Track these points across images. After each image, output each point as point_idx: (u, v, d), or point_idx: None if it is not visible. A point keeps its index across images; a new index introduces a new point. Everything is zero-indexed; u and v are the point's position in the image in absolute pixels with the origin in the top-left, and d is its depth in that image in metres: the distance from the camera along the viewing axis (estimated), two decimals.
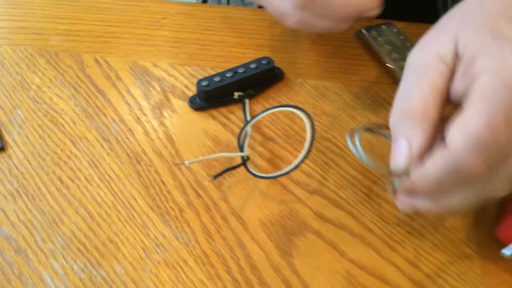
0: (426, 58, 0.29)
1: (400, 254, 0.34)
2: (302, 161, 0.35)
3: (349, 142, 0.32)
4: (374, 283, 0.33)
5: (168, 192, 0.37)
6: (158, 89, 0.43)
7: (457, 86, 0.28)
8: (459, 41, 0.28)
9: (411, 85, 0.29)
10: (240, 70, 0.42)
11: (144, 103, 0.42)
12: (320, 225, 0.36)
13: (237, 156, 0.37)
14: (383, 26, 0.46)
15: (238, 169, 0.37)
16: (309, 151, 0.35)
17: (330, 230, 0.36)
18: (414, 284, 0.33)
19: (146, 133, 0.40)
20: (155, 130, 0.41)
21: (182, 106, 0.42)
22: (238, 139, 0.38)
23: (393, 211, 0.36)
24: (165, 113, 0.42)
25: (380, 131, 0.36)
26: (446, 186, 0.28)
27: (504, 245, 0.32)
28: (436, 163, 0.27)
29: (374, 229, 0.36)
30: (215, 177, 0.35)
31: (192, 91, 0.43)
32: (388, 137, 0.31)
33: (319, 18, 0.38)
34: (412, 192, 0.30)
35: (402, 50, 0.44)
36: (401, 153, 0.29)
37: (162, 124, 0.41)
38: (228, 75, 0.42)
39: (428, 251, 0.34)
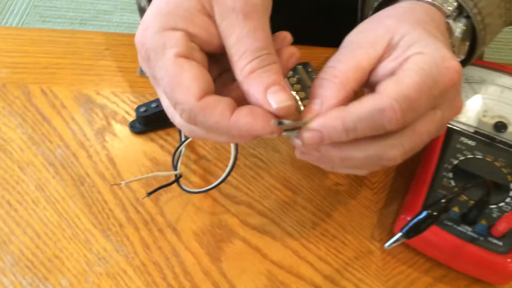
0: (360, 41, 0.32)
1: (314, 253, 0.40)
2: (227, 176, 0.40)
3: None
4: (291, 280, 0.38)
5: (110, 210, 0.41)
6: (101, 115, 0.47)
7: (386, 67, 0.31)
8: (396, 33, 0.31)
9: (340, 58, 0.31)
10: None
11: (87, 129, 0.46)
12: (245, 232, 0.41)
13: (171, 174, 0.42)
14: (299, 66, 0.51)
15: (174, 186, 0.42)
16: (232, 167, 0.40)
17: (254, 236, 0.40)
18: (325, 278, 0.38)
19: (89, 156, 0.44)
20: (97, 153, 0.45)
21: (123, 130, 0.46)
22: (173, 158, 0.43)
23: (310, 216, 0.42)
24: (107, 138, 0.46)
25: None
26: (361, 131, 0.29)
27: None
28: (364, 104, 0.28)
29: (293, 233, 0.41)
30: (149, 194, 0.39)
31: (133, 116, 0.47)
32: None
33: (209, 133, 0.31)
34: (321, 138, 0.29)
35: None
36: (310, 107, 0.30)
37: (104, 147, 0.45)
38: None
39: (338, 249, 0.40)
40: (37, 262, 0.38)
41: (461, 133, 0.42)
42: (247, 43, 0.29)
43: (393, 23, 0.32)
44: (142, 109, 0.46)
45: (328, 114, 0.29)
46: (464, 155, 0.41)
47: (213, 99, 0.29)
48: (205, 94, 0.29)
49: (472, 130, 0.43)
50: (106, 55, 0.53)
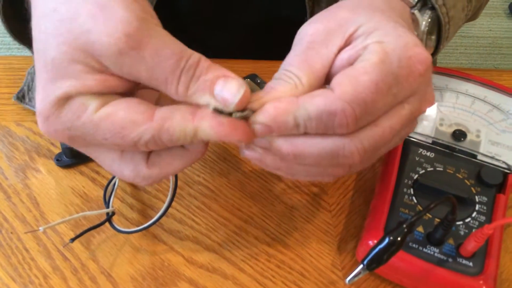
0: (312, 38, 0.28)
1: None
2: (167, 209, 0.35)
3: None
4: None
5: (32, 259, 0.36)
6: (22, 149, 0.42)
7: (343, 57, 0.28)
8: (351, 25, 0.28)
9: (293, 61, 0.28)
10: None
11: (5, 166, 0.40)
12: (192, 272, 0.36)
13: (102, 212, 0.36)
14: (247, 79, 0.48)
15: (107, 225, 0.37)
16: (172, 198, 0.35)
17: (202, 275, 0.36)
18: None
19: (8, 198, 0.39)
20: (18, 193, 0.39)
21: (48, 164, 0.41)
22: (104, 193, 0.37)
23: (264, 247, 0.37)
24: (29, 174, 0.40)
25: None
26: (310, 129, 0.26)
27: None
28: (315, 101, 0.26)
29: (246, 268, 0.36)
30: (73, 240, 0.34)
31: (59, 148, 0.42)
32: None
33: (176, 151, 0.29)
34: (270, 130, 0.27)
35: None
36: (259, 95, 0.27)
37: (26, 186, 0.39)
38: None
39: (296, 283, 0.36)
40: None
41: (418, 145, 0.40)
42: (163, 67, 0.25)
43: (347, 15, 0.29)
44: None
45: (278, 106, 0.26)
46: (424, 168, 0.38)
47: (165, 111, 0.26)
48: (152, 113, 0.26)
49: (430, 140, 0.40)
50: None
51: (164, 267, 0.36)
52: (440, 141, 0.40)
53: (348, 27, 0.28)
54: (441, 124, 0.41)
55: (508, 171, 0.38)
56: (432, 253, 0.34)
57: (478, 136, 0.40)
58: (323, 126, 0.26)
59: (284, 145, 0.27)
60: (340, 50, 0.28)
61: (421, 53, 0.27)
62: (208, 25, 0.61)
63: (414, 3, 0.33)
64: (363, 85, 0.25)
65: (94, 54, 0.25)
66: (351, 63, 0.27)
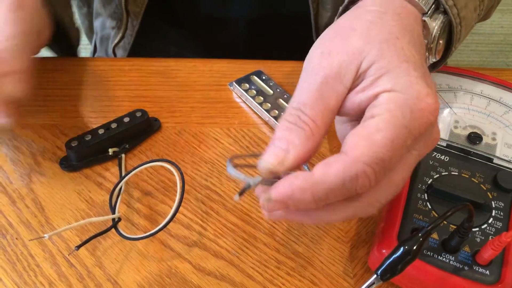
0: (325, 71, 0.28)
1: None
2: (174, 215, 0.34)
3: (227, 164, 0.29)
4: None
5: (37, 265, 0.35)
6: (27, 153, 0.41)
7: (354, 100, 0.28)
8: (364, 58, 0.28)
9: (305, 98, 0.28)
10: (113, 126, 0.41)
11: (10, 170, 0.40)
12: (200, 279, 0.35)
13: (107, 218, 0.36)
14: (253, 76, 0.47)
15: (113, 231, 0.36)
16: (179, 204, 0.35)
17: (210, 283, 0.35)
18: None
19: (13, 202, 0.38)
20: (22, 198, 0.38)
21: (53, 168, 0.40)
22: (110, 199, 0.37)
23: (273, 254, 0.37)
24: (34, 179, 0.39)
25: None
26: (333, 198, 0.26)
27: None
28: (334, 171, 0.25)
29: (255, 276, 0.35)
30: (78, 247, 0.33)
31: (64, 151, 0.41)
32: None
33: None
34: (286, 204, 0.27)
35: (274, 97, 0.45)
36: (275, 151, 0.27)
37: (31, 191, 0.39)
38: (100, 132, 0.40)
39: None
40: None
41: (433, 148, 0.38)
42: None
43: (360, 45, 0.28)
44: (74, 143, 0.40)
45: (294, 184, 0.26)
46: (438, 172, 0.37)
47: None
48: None
49: (444, 144, 0.39)
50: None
51: (172, 274, 0.35)
52: (455, 145, 0.39)
53: (361, 62, 0.28)
54: (455, 127, 0.40)
55: None
56: (447, 261, 0.33)
57: (494, 139, 0.39)
58: (346, 192, 0.26)
59: (303, 218, 0.29)
60: (352, 84, 0.28)
61: (433, 104, 0.27)
62: (208, 21, 0.60)
63: (426, 10, 0.32)
64: (379, 144, 0.26)
65: None
66: (362, 109, 0.28)
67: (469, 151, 0.38)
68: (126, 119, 0.42)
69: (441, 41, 0.35)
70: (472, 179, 0.37)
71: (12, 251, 0.35)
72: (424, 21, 0.32)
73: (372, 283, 0.28)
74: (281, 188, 0.26)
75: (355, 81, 0.28)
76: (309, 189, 0.26)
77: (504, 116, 0.41)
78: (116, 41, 0.59)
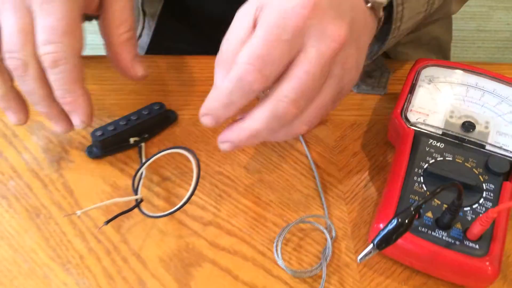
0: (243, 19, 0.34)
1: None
2: (190, 197, 0.38)
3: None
4: None
5: (69, 241, 0.39)
6: (56, 142, 0.45)
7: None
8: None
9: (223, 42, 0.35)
10: (133, 117, 0.45)
11: (41, 157, 0.44)
12: (215, 254, 0.39)
13: (131, 199, 0.39)
14: None
15: (136, 211, 0.39)
16: (195, 187, 0.38)
17: (224, 257, 0.38)
18: None
19: (45, 186, 0.42)
20: (53, 182, 0.42)
21: (80, 156, 0.44)
22: (133, 182, 0.40)
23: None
24: (63, 165, 0.43)
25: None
26: (238, 101, 0.34)
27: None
28: (227, 79, 0.33)
29: (265, 251, 0.39)
30: (107, 222, 0.37)
31: (90, 141, 0.45)
32: None
33: None
34: (214, 119, 0.35)
35: None
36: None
37: (60, 176, 0.43)
38: (121, 123, 0.44)
39: (312, 264, 0.38)
40: None
41: (429, 136, 0.42)
42: (126, 14, 0.39)
43: None
44: (98, 133, 0.43)
45: (208, 97, 0.35)
46: (433, 158, 0.40)
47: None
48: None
49: (440, 132, 0.42)
50: None
51: (189, 249, 0.39)
52: (450, 132, 0.42)
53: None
54: (451, 116, 0.43)
55: None
56: (440, 236, 0.36)
57: (486, 127, 0.42)
58: (244, 92, 0.33)
59: (239, 133, 0.36)
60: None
61: (301, 2, 0.32)
62: (218, 21, 0.63)
63: None
64: (254, 44, 0.32)
65: None
66: None
67: (463, 139, 0.41)
68: (145, 111, 0.45)
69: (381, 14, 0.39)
70: (465, 164, 0.40)
71: (46, 229, 0.39)
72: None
73: (369, 252, 0.31)
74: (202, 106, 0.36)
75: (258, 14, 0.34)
76: (216, 97, 0.34)
77: (497, 107, 0.44)
78: None
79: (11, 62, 0.36)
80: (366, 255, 0.31)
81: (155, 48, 0.64)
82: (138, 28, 0.64)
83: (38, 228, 0.39)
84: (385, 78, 0.51)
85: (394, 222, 0.31)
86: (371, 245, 0.31)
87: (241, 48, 0.33)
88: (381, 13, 0.39)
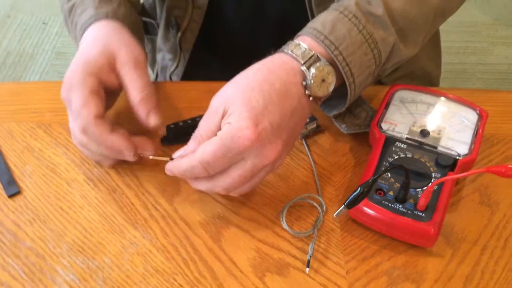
0: (213, 108, 0.49)
1: (290, 233, 0.53)
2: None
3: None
4: (273, 252, 0.52)
5: (136, 210, 0.55)
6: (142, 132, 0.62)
7: (222, 124, 0.48)
8: (228, 104, 0.47)
9: (201, 123, 0.50)
10: (198, 118, 0.61)
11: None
12: (238, 220, 0.54)
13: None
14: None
15: (185, 190, 0.56)
16: None
17: (245, 223, 0.54)
18: (298, 249, 0.52)
19: (118, 173, 0.59)
20: (124, 169, 0.59)
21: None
22: None
23: (287, 207, 0.55)
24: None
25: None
26: (189, 175, 0.50)
27: (355, 221, 0.52)
28: (186, 160, 0.48)
29: (273, 219, 0.54)
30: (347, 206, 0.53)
31: (164, 132, 0.61)
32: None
33: (93, 144, 0.53)
34: (172, 173, 0.51)
35: None
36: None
37: (129, 166, 0.59)
38: (189, 121, 0.61)
39: (307, 228, 0.53)
40: (86, 247, 0.52)
41: (396, 139, 0.57)
42: (138, 82, 0.53)
43: (231, 93, 0.48)
44: (172, 126, 0.60)
45: (174, 163, 0.51)
46: (398, 155, 0.55)
47: (102, 121, 0.52)
48: (99, 116, 0.51)
49: (404, 136, 0.57)
50: None
51: (220, 217, 0.54)
52: (411, 137, 0.57)
53: (226, 105, 0.47)
54: (413, 125, 0.58)
55: (457, 157, 0.55)
56: (398, 208, 0.51)
57: (439, 134, 0.57)
58: (193, 173, 0.49)
59: (192, 183, 0.52)
60: (222, 116, 0.48)
61: (247, 134, 0.45)
62: (242, 52, 0.71)
63: (303, 62, 0.48)
64: (206, 152, 0.46)
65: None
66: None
67: (421, 142, 0.56)
68: (199, 118, 0.62)
69: (329, 81, 0.50)
70: (421, 159, 0.55)
71: (120, 201, 0.56)
72: (302, 70, 0.48)
73: (341, 210, 0.46)
74: (167, 165, 0.52)
75: (224, 115, 0.47)
76: (177, 167, 0.50)
77: (450, 119, 0.59)
78: (172, 69, 0.80)
79: None
80: (339, 212, 0.46)
81: (188, 76, 0.80)
82: (176, 60, 0.79)
83: (115, 201, 0.56)
84: (369, 117, 0.60)
85: (358, 189, 0.46)
86: (343, 206, 0.46)
87: (209, 134, 0.48)
88: (321, 100, 0.51)
